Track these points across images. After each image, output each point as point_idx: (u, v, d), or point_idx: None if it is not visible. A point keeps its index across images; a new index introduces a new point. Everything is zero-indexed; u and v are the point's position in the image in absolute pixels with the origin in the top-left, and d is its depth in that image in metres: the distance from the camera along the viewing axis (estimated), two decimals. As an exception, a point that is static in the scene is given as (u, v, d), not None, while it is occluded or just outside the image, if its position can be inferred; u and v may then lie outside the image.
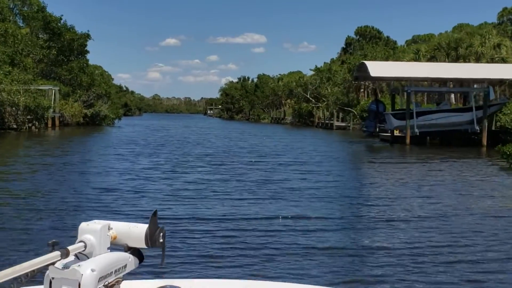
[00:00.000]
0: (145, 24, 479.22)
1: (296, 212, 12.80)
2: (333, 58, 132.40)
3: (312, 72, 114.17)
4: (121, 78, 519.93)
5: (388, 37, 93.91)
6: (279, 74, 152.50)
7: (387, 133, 46.69)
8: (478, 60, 53.94)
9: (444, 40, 58.32)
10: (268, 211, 12.83)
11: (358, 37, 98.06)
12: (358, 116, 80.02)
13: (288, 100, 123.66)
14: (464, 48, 55.67)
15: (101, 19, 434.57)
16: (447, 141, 41.68)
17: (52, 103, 65.70)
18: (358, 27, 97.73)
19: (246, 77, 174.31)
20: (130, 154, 27.54)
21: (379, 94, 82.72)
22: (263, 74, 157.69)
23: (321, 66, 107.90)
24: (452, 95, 48.45)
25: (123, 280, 2.09)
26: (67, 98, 69.45)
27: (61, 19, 71.61)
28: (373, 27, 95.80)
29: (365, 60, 77.67)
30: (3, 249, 8.88)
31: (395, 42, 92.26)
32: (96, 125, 72.03)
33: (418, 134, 40.15)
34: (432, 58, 57.17)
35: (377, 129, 46.50)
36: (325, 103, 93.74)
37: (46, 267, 1.89)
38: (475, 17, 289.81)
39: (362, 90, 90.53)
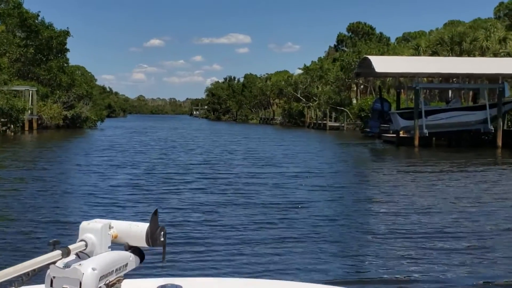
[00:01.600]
0: (129, 25, 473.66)
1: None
2: (320, 57, 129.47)
3: (300, 71, 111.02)
4: (105, 79, 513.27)
5: (381, 33, 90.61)
6: (266, 74, 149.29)
7: (390, 133, 43.32)
8: (483, 55, 50.74)
9: (447, 34, 55.06)
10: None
11: (350, 33, 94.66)
12: (354, 116, 76.84)
13: (277, 100, 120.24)
14: (468, 43, 52.46)
15: (84, 19, 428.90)
16: (456, 142, 38.40)
17: (29, 104, 61.75)
18: (350, 24, 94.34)
19: (232, 77, 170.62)
20: (107, 165, 23.12)
21: (373, 92, 79.60)
22: (250, 74, 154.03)
23: (309, 65, 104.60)
24: (450, 92, 45.40)
25: (124, 279, 2.06)
26: (45, 99, 65.43)
27: (38, 16, 67.51)
28: (365, 23, 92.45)
29: (359, 57, 74.85)
30: (4, 249, 8.96)
31: (388, 39, 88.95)
32: (77, 128, 67.96)
33: (427, 135, 36.78)
34: (433, 54, 53.87)
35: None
36: (317, 102, 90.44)
37: (47, 266, 1.88)
38: (466, 14, 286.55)
39: (354, 88, 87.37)
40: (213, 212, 12.46)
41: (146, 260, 2.21)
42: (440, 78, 41.92)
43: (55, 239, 1.97)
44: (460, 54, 52.05)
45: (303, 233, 10.43)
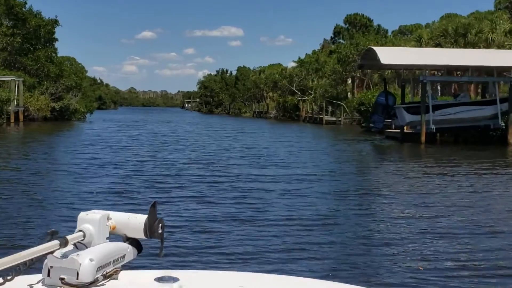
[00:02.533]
0: (120, 17, 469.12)
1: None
2: (314, 50, 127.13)
3: (294, 64, 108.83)
4: (96, 71, 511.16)
5: (379, 25, 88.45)
6: (260, 67, 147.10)
7: (393, 129, 41.30)
8: (488, 47, 48.70)
9: (451, 25, 52.92)
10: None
11: (347, 25, 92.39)
12: (353, 110, 74.74)
13: (270, 93, 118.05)
14: (473, 35, 50.38)
15: (75, 11, 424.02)
16: (463, 139, 36.46)
17: (15, 95, 59.29)
18: (347, 15, 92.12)
19: (225, 70, 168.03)
20: (88, 164, 20.20)
21: (370, 86, 77.58)
22: (243, 66, 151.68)
23: (304, 58, 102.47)
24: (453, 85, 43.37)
25: (121, 270, 2.07)
26: (32, 90, 62.94)
27: (25, 3, 64.90)
28: (363, 15, 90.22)
29: (357, 49, 72.76)
30: (1, 238, 8.97)
31: (386, 31, 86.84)
32: (66, 120, 65.45)
33: (434, 130, 34.77)
34: (437, 46, 51.74)
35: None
36: (312, 96, 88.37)
37: (44, 256, 1.88)
38: (463, 7, 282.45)
39: (349, 82, 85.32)
40: (213, 232, 10.02)
41: (143, 251, 2.18)
42: (442, 71, 39.77)
43: (53, 229, 1.95)
44: (465, 46, 49.91)
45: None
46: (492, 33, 49.85)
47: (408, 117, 35.38)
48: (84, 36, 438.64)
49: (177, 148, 28.77)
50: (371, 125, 38.10)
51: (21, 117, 59.07)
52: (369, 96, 51.81)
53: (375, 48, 37.02)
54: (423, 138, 34.70)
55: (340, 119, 73.82)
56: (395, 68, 39.44)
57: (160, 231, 2.18)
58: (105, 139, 34.74)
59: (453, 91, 49.04)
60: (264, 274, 2.44)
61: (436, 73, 41.80)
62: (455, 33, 51.45)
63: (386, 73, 69.40)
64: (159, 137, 38.20)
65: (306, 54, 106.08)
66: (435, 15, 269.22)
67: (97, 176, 17.26)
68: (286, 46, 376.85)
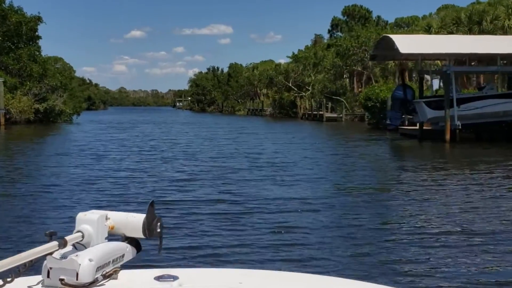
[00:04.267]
0: (109, 16, 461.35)
1: None
2: (307, 45, 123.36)
3: (288, 60, 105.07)
4: (86, 71, 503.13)
5: (379, 16, 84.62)
6: (252, 63, 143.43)
7: (406, 125, 37.68)
8: (505, 35, 45.02)
9: (464, 12, 49.18)
10: None
11: (345, 17, 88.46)
12: (354, 106, 71.05)
13: (264, 90, 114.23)
14: (489, 22, 46.66)
15: (63, 11, 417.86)
16: (489, 136, 32.75)
17: (-5, 97, 55.18)
18: (345, 7, 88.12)
19: (216, 67, 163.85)
20: (59, 186, 15.10)
21: (372, 79, 73.83)
22: (235, 63, 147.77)
23: (297, 53, 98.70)
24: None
25: (120, 269, 2.08)
26: (14, 91, 58.76)
27: (5, -1, 60.65)
28: (361, 6, 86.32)
29: (358, 41, 68.99)
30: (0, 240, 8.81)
31: (386, 22, 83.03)
32: (51, 122, 61.34)
33: (460, 127, 31.08)
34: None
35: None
36: (310, 91, 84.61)
37: (44, 257, 1.88)
38: None
39: (345, 76, 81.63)
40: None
41: (142, 250, 2.16)
42: (465, 60, 35.99)
43: (51, 230, 1.94)
44: (480, 34, 46.26)
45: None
46: (509, 20, 46.16)
47: (430, 113, 31.67)
48: (72, 37, 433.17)
49: (170, 157, 23.99)
50: (387, 122, 34.33)
51: (1, 120, 54.91)
52: (376, 91, 48.09)
53: (391, 36, 33.21)
54: (447, 136, 31.02)
55: (341, 115, 70.09)
56: (413, 59, 35.75)
57: (158, 230, 2.18)
58: (91, 146, 30.54)
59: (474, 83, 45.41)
60: (263, 270, 2.37)
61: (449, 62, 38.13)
62: (469, 20, 47.75)
63: (389, 65, 65.75)
64: (151, 142, 34.07)
65: (299, 49, 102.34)
66: (431, 7, 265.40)
67: (64, 207, 13.22)
68: (276, 43, 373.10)
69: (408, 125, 38.22)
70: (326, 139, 37.75)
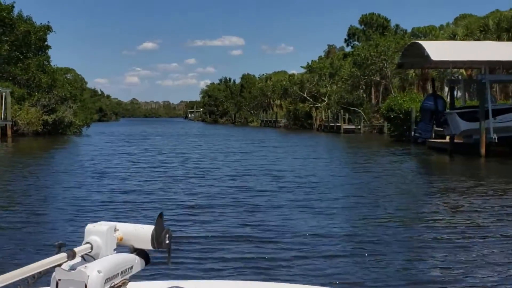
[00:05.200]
0: (121, 28, 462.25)
1: None
2: (321, 56, 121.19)
3: (302, 71, 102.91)
4: (98, 83, 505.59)
5: (397, 25, 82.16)
6: (265, 74, 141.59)
7: (433, 138, 35.18)
8: (536, 43, 42.55)
9: (492, 19, 46.74)
10: None
11: (362, 26, 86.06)
12: (372, 117, 68.60)
13: (277, 101, 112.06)
14: (519, 29, 44.28)
15: (77, 23, 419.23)
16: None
17: (2, 108, 53.32)
18: (362, 15, 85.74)
19: (228, 78, 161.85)
20: (44, 219, 12.75)
21: (391, 89, 71.34)
22: (248, 74, 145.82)
23: (311, 63, 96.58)
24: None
25: (129, 281, 2.07)
26: (22, 102, 56.94)
27: (13, 7, 58.96)
28: (379, 15, 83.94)
29: (377, 50, 66.60)
30: (10, 251, 8.88)
31: (405, 31, 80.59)
32: (60, 134, 59.38)
33: (496, 140, 28.65)
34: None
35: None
36: (325, 102, 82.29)
37: (52, 269, 1.88)
38: (478, 8, 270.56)
39: (361, 87, 79.21)
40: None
41: (151, 262, 2.13)
42: (498, 68, 33.50)
43: (60, 242, 1.96)
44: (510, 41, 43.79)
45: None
46: (541, 27, 43.78)
47: (464, 125, 29.25)
48: (85, 49, 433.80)
49: (182, 175, 21.35)
50: (416, 135, 31.85)
51: (9, 132, 53.05)
52: (399, 101, 45.67)
53: (421, 42, 30.80)
54: (483, 150, 28.58)
55: (359, 127, 67.63)
56: (443, 67, 33.35)
57: (167, 242, 2.17)
58: (94, 160, 28.29)
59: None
60: (272, 282, 2.30)
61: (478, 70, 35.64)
62: (497, 27, 45.29)
63: (410, 75, 63.36)
64: (163, 156, 31.76)
65: (312, 60, 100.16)
66: (447, 17, 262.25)
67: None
68: (287, 54, 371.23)
69: (435, 138, 35.81)
70: (349, 153, 35.35)
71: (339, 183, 19.03)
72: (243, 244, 9.58)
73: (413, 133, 41.93)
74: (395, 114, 45.28)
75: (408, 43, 34.47)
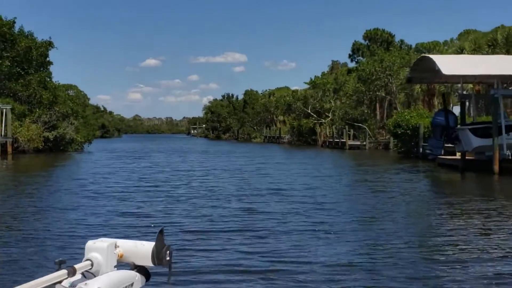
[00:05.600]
0: (124, 45, 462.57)
1: None
2: (324, 72, 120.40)
3: (305, 86, 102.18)
4: (101, 99, 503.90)
5: (402, 40, 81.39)
6: (268, 90, 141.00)
7: (442, 154, 34.17)
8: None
9: (501, 33, 45.93)
10: None
11: (367, 41, 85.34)
12: (377, 133, 67.79)
13: (280, 117, 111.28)
14: (528, 43, 43.42)
15: (79, 40, 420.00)
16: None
17: (3, 125, 52.54)
18: (367, 31, 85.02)
19: (231, 94, 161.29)
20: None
21: (396, 105, 70.38)
22: (251, 90, 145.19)
23: (314, 79, 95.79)
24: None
25: None
26: (22, 118, 56.14)
27: (14, 23, 58.35)
28: (384, 30, 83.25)
29: (382, 65, 65.83)
30: (10, 268, 8.85)
31: (410, 47, 79.83)
32: (61, 151, 58.51)
33: (510, 157, 27.70)
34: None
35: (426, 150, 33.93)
36: (330, 118, 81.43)
37: (53, 286, 1.86)
38: (482, 24, 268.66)
39: (365, 102, 78.35)
40: None
41: (151, 279, 2.11)
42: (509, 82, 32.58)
43: (61, 259, 1.95)
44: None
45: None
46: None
47: (476, 141, 28.31)
48: (88, 66, 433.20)
49: (184, 195, 19.74)
50: (427, 151, 30.96)
51: (9, 149, 52.23)
52: (406, 117, 44.75)
53: (432, 56, 29.93)
54: (496, 167, 27.62)
55: (364, 143, 66.66)
56: (453, 81, 32.44)
57: (168, 258, 2.17)
58: (92, 179, 27.30)
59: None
60: None
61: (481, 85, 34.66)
62: (506, 42, 44.45)
63: (416, 90, 62.51)
64: (160, 175, 30.87)
65: (316, 76, 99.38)
66: (451, 33, 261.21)
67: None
68: (290, 70, 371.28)
69: (444, 154, 34.83)
70: (358, 170, 34.29)
71: (352, 204, 18.05)
72: (252, 279, 8.59)
73: (421, 149, 41.06)
74: (402, 130, 44.35)
75: (418, 57, 33.56)
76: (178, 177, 28.34)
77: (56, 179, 27.86)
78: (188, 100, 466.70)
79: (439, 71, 27.00)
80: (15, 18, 58.48)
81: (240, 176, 28.67)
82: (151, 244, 2.14)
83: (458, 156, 32.78)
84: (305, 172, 31.14)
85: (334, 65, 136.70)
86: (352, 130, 70.76)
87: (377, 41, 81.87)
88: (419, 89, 61.11)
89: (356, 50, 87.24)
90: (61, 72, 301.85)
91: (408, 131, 43.77)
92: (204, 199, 18.90)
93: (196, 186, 23.62)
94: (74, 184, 24.32)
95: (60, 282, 1.87)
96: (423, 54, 34.31)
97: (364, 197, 19.92)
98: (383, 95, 69.04)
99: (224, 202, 17.91)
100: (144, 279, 2.13)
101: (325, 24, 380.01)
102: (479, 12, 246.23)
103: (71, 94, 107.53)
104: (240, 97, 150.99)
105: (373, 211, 16.25)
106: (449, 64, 27.62)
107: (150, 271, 2.17)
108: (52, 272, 1.87)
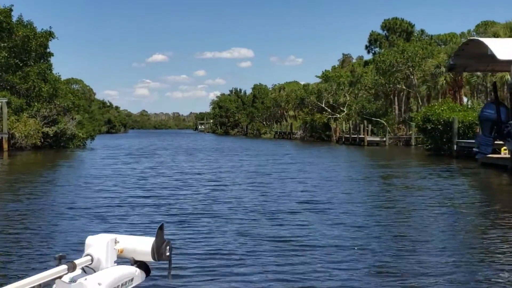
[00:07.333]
0: (131, 40, 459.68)
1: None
2: (334, 66, 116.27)
3: (317, 80, 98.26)
4: (108, 94, 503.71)
5: (422, 30, 77.09)
6: (277, 84, 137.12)
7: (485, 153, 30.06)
8: None
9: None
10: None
11: (385, 32, 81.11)
12: (396, 128, 63.81)
13: (291, 112, 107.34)
14: None
15: (86, 35, 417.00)
16: None
17: (-3, 120, 48.92)
18: (385, 20, 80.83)
19: (239, 89, 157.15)
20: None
21: (418, 99, 66.27)
22: (260, 84, 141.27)
23: (327, 71, 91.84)
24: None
25: None
26: (20, 113, 52.40)
27: (11, 10, 54.51)
28: (403, 20, 79.02)
29: (404, 56, 61.74)
30: (10, 263, 8.86)
31: (431, 37, 75.59)
32: (61, 148, 54.76)
33: None
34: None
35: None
36: (345, 113, 77.46)
37: (53, 281, 1.86)
38: (500, 14, 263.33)
39: (382, 96, 74.25)
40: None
41: (152, 274, 2.08)
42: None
43: (60, 254, 1.93)
44: None
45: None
46: None
47: (534, 138, 24.31)
48: (96, 61, 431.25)
49: (193, 208, 15.32)
50: (474, 149, 26.93)
51: (5, 145, 48.57)
52: (437, 111, 40.71)
53: (483, 40, 25.89)
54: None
55: (384, 139, 62.62)
56: (505, 70, 28.46)
57: (168, 254, 2.15)
58: (87, 184, 23.49)
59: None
60: None
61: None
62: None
63: (440, 82, 58.39)
64: (167, 178, 26.91)
65: (326, 70, 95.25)
66: (469, 24, 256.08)
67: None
68: (297, 66, 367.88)
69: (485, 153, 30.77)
70: (384, 171, 30.17)
71: (387, 215, 14.13)
72: None
73: (455, 146, 37.13)
74: (433, 126, 40.24)
75: (464, 41, 29.54)
76: (187, 180, 24.43)
77: (52, 179, 24.01)
78: (195, 96, 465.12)
79: (492, 56, 22.97)
80: (12, 5, 54.66)
81: (257, 180, 24.70)
82: (151, 240, 2.08)
83: (504, 154, 28.84)
84: (328, 173, 27.17)
85: (345, 59, 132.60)
86: (370, 126, 66.74)
87: (396, 31, 77.66)
88: (444, 81, 57.00)
89: (373, 41, 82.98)
90: (68, 67, 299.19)
91: (439, 126, 39.70)
92: (215, 216, 14.96)
93: (208, 191, 19.65)
94: (73, 183, 20.51)
95: (60, 277, 1.85)
96: (471, 38, 30.27)
97: (401, 205, 15.90)
98: (404, 87, 64.93)
99: (243, 214, 13.99)
100: (144, 275, 2.09)
101: (332, 20, 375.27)
102: (496, 3, 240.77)
103: (76, 88, 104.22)
104: (248, 91, 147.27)
105: (416, 227, 12.35)
106: (505, 48, 23.57)
107: (150, 266, 2.12)
108: (52, 267, 1.83)
